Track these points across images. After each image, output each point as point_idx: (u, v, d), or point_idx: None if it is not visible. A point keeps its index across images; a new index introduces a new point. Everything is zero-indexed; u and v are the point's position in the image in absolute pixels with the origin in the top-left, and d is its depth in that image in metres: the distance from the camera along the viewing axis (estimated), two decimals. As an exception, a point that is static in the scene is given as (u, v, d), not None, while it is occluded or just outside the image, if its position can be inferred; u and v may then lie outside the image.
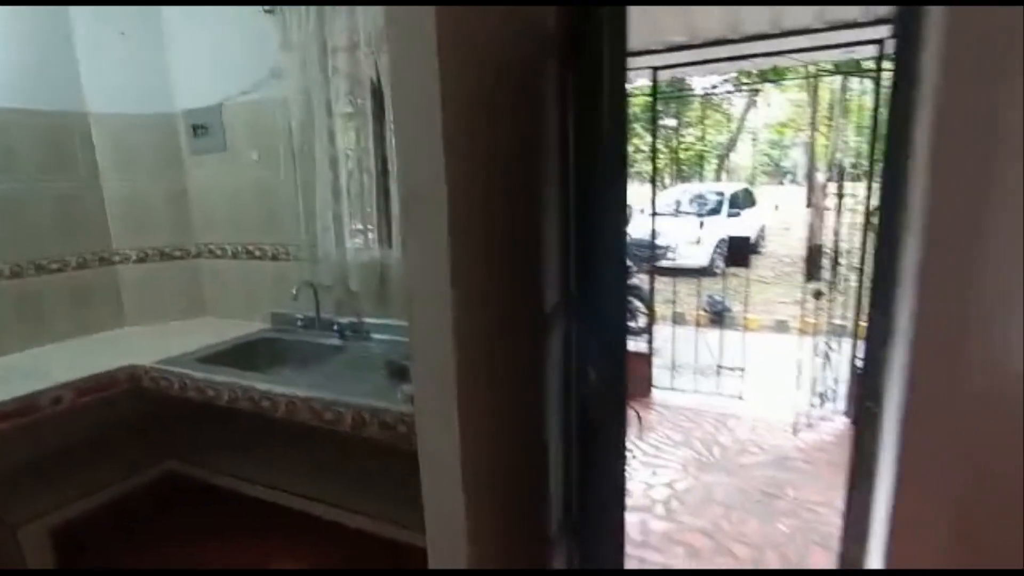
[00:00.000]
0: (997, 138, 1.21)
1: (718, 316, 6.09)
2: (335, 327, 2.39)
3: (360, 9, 2.11)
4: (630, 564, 2.11)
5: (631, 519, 2.46)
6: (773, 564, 2.17)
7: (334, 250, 2.36)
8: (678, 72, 4.26)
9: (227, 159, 2.56)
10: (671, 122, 11.89)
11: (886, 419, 1.57)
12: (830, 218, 3.32)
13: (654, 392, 4.01)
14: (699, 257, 8.47)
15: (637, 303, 5.02)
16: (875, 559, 1.59)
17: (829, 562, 1.91)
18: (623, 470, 1.61)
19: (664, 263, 8.26)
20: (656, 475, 2.88)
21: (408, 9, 1.26)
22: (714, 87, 10.77)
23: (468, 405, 1.43)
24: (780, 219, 11.64)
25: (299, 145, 2.32)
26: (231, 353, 2.34)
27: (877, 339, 1.61)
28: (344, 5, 2.13)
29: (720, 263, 8.39)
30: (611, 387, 1.46)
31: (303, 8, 2.18)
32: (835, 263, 3.25)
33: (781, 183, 16.12)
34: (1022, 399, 1.44)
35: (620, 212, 1.43)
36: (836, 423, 3.39)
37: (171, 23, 2.54)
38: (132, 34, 2.47)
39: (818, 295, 3.28)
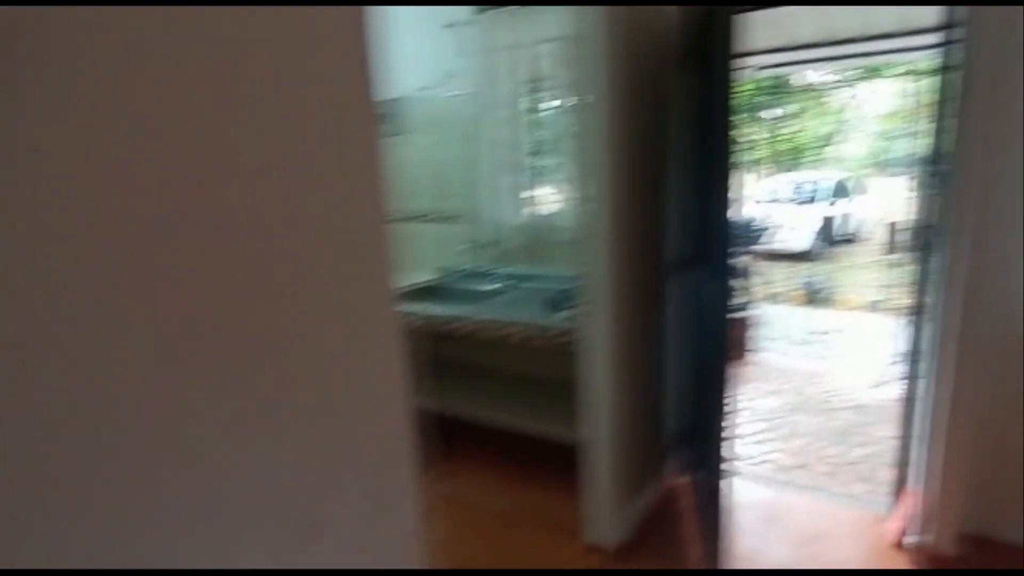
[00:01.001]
0: (1000, 132, 1.60)
1: (814, 296, 6.22)
2: (494, 276, 2.91)
3: (522, 19, 2.63)
4: (731, 472, 2.54)
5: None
6: (846, 478, 2.54)
7: (495, 214, 2.91)
8: (783, 69, 4.51)
9: (402, 142, 3.05)
10: (777, 112, 11.72)
11: (925, 351, 1.94)
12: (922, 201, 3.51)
13: (751, 355, 4.34)
14: (799, 242, 8.47)
15: (737, 279, 5.31)
16: (921, 455, 1.97)
17: (891, 476, 2.24)
18: (727, 383, 2.04)
19: (766, 247, 8.38)
20: (750, 415, 3.27)
21: (586, 29, 1.78)
22: (819, 82, 10.55)
23: (617, 319, 1.96)
24: (883, 207, 11.20)
25: (468, 131, 2.87)
26: (407, 295, 2.83)
27: (921, 288, 1.98)
28: (525, 5, 2.62)
29: (819, 248, 8.38)
30: (718, 315, 1.92)
31: (476, 21, 2.73)
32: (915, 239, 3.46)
33: (887, 173, 15.27)
34: (1021, 335, 1.81)
35: (727, 183, 1.81)
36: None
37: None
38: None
39: (894, 266, 3.52)
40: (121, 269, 0.48)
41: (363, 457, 0.77)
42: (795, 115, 11.75)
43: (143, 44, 0.48)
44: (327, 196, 0.69)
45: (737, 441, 2.92)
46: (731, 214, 1.79)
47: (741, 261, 5.49)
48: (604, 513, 2.08)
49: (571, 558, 2.02)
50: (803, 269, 6.80)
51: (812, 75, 10.11)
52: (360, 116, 0.74)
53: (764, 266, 6.29)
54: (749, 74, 4.82)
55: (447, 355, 3.09)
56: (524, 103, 2.82)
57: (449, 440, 2.97)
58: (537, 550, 2.06)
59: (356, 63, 0.69)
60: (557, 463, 2.52)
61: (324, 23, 0.64)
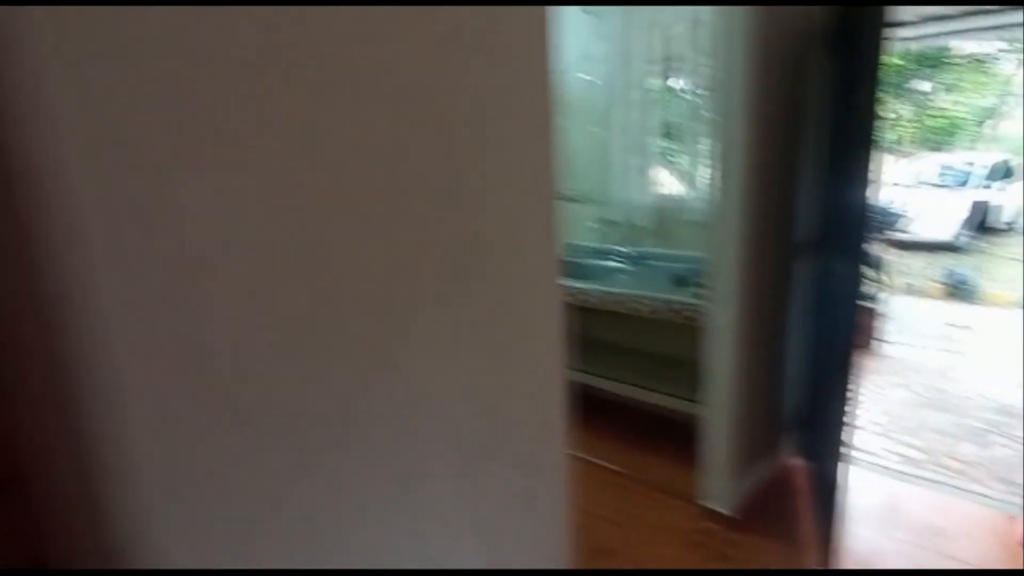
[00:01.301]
0: None
1: (956, 289, 5.73)
2: (621, 254, 3.00)
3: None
4: (848, 459, 2.53)
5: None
6: (982, 477, 2.44)
7: (624, 194, 2.99)
8: (936, 40, 4.17)
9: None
10: (926, 86, 10.65)
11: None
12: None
13: (878, 344, 4.14)
14: (941, 231, 7.76)
15: (868, 267, 5.03)
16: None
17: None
18: (850, 371, 2.05)
19: (903, 235, 7.75)
20: (874, 406, 3.18)
21: (725, 10, 1.83)
22: (981, 51, 9.42)
23: (742, 298, 2.03)
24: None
25: (600, 112, 2.96)
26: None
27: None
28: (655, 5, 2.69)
29: (964, 238, 7.62)
30: (846, 302, 1.93)
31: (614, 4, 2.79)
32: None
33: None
34: None
35: (866, 165, 1.79)
36: (1076, 389, 3.29)
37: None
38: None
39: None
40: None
41: (524, 410, 0.96)
42: (948, 89, 10.59)
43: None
44: (516, 173, 0.89)
45: (858, 431, 2.87)
46: (867, 198, 1.77)
47: (874, 248, 5.17)
48: (720, 482, 2.18)
49: (688, 519, 2.14)
50: (944, 260, 6.27)
51: (972, 44, 9.05)
52: (542, 106, 0.91)
53: (898, 255, 5.87)
54: (899, 46, 4.49)
55: (574, 326, 3.24)
56: (656, 84, 2.87)
57: (575, 405, 3.14)
58: (656, 510, 2.21)
59: (541, 54, 0.89)
60: (673, 433, 2.63)
61: (517, 23, 0.83)
